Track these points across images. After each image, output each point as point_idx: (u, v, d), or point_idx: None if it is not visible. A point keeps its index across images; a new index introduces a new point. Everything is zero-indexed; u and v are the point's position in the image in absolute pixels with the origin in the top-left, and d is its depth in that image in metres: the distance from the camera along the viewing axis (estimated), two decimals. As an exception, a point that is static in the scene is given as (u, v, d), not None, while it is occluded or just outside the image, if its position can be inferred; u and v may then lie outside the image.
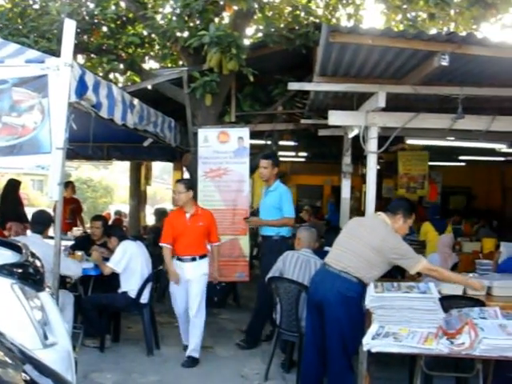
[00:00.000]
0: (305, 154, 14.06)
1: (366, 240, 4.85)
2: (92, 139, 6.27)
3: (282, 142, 10.21)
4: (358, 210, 12.92)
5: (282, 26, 8.88)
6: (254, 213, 16.77)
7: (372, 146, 5.55)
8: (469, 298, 5.98)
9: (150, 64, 10.42)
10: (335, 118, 5.79)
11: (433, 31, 7.64)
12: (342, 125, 6.52)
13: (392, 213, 4.99)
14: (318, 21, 8.91)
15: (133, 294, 6.69)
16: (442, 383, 6.01)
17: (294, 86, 5.98)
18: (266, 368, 6.29)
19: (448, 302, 5.59)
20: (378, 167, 16.44)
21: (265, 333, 7.34)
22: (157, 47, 10.02)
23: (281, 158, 16.27)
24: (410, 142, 9.70)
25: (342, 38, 4.43)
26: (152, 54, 10.17)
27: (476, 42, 4.45)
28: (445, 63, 4.46)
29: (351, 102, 6.62)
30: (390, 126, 5.57)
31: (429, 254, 9.21)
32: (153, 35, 9.12)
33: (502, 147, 9.62)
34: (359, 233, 4.92)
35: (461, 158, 14.98)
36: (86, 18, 8.59)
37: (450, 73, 5.42)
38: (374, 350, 4.32)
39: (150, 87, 8.70)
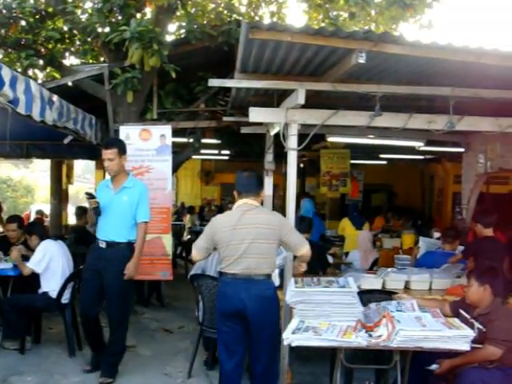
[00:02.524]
0: (228, 151, 14.05)
1: (261, 236, 4.74)
2: (10, 136, 6.10)
3: (204, 140, 10.17)
4: (282, 208, 13.01)
5: (204, 22, 8.87)
6: (178, 211, 16.78)
7: (292, 142, 5.57)
8: (387, 291, 6.13)
9: (70, 60, 10.21)
10: (255, 114, 5.78)
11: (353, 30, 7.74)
12: (263, 122, 6.52)
13: (255, 193, 4.92)
14: (241, 18, 8.94)
15: (53, 295, 6.56)
16: (362, 376, 6.15)
17: (214, 82, 5.95)
18: (189, 366, 6.29)
19: (367, 296, 5.72)
20: (302, 165, 16.76)
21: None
22: (77, 43, 9.81)
23: (204, 156, 16.45)
24: (331, 139, 9.82)
25: (262, 34, 4.43)
26: (72, 49, 9.95)
27: (391, 40, 4.55)
28: (362, 61, 4.53)
29: (273, 100, 6.67)
30: (310, 123, 5.60)
31: (348, 249, 9.41)
32: (73, 30, 8.90)
33: (421, 145, 9.89)
34: (251, 234, 4.74)
35: (382, 156, 15.30)
36: (4, 11, 8.36)
37: (369, 71, 5.53)
38: (294, 344, 4.35)
39: (70, 83, 8.50)
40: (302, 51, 4.97)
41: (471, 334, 4.36)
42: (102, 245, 5.97)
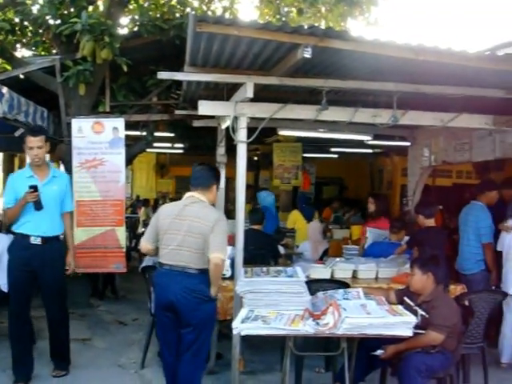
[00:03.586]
0: (181, 145, 13.99)
1: (194, 230, 4.69)
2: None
3: (157, 133, 10.09)
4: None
5: (157, 16, 8.79)
6: (133, 204, 16.63)
7: (241, 135, 5.57)
8: (336, 280, 6.21)
9: (22, 52, 9.98)
10: (205, 108, 5.78)
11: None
12: (214, 115, 6.52)
13: (204, 187, 4.88)
14: (193, 12, 8.88)
15: (5, 288, 6.42)
16: (313, 363, 6.24)
17: (163, 75, 5.91)
18: (142, 357, 6.28)
19: (316, 285, 5.78)
20: (256, 159, 16.72)
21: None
22: (29, 34, 9.60)
23: (159, 150, 16.34)
24: (282, 133, 9.90)
25: (209, 28, 4.42)
26: (24, 41, 9.72)
27: (336, 36, 4.59)
28: (307, 55, 4.56)
29: (223, 93, 6.66)
30: (259, 116, 5.63)
31: (299, 241, 9.48)
32: (24, 22, 8.70)
33: (368, 139, 10.02)
34: (186, 226, 4.71)
35: (333, 150, 15.44)
36: (-48, 2, 8.14)
37: (316, 66, 5.56)
38: (243, 333, 4.40)
39: (21, 76, 8.33)
40: (250, 45, 4.97)
41: (414, 320, 4.46)
42: (36, 241, 5.62)
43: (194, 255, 4.67)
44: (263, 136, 11.97)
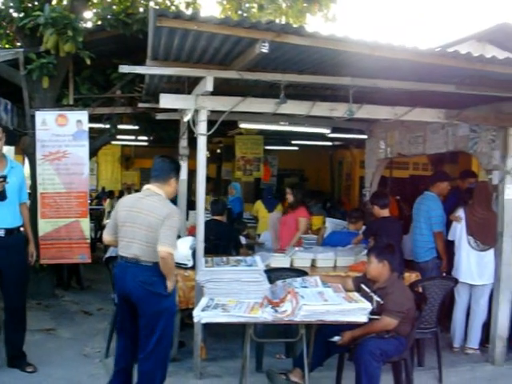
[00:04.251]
0: (145, 137, 13.91)
1: (146, 224, 4.62)
2: None
3: (121, 126, 10.00)
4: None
5: (120, 10, 8.68)
6: (99, 195, 16.48)
7: (201, 128, 5.57)
8: (295, 269, 6.26)
9: (-15, 44, 9.78)
10: (166, 101, 5.77)
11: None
12: (176, 108, 6.49)
13: (162, 180, 4.80)
14: (157, 7, 8.81)
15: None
16: (274, 349, 6.29)
17: (124, 68, 5.86)
18: (106, 346, 6.24)
19: (276, 274, 5.83)
20: (219, 151, 16.71)
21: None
22: (-7, 27, 9.42)
23: (124, 142, 16.21)
24: (243, 125, 9.92)
25: (169, 22, 4.39)
26: (-13, 33, 9.54)
27: (293, 31, 4.60)
28: (265, 50, 4.56)
29: (187, 87, 6.65)
30: (219, 109, 5.63)
31: (260, 231, 9.53)
32: (-13, 14, 8.54)
33: (327, 132, 10.10)
34: (139, 219, 4.64)
35: (294, 142, 15.50)
36: None
37: (275, 60, 5.57)
38: (203, 321, 4.42)
39: (-16, 68, 8.18)
40: (210, 40, 4.95)
41: (369, 306, 4.51)
42: (0, 233, 5.51)
43: (147, 248, 4.61)
44: (226, 129, 11.98)
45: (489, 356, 6.59)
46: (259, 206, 10.17)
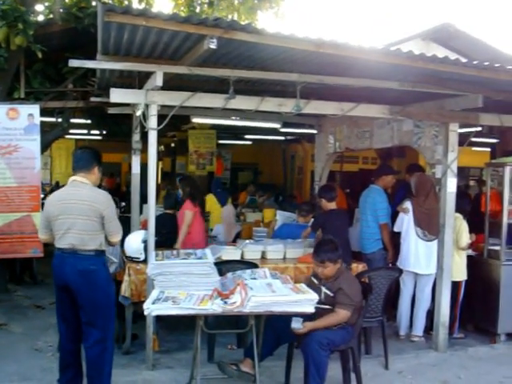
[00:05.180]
0: (98, 131, 13.72)
1: (84, 213, 4.64)
2: None
3: (74, 120, 9.83)
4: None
5: (72, 4, 8.52)
6: (53, 190, 16.18)
7: (152, 123, 5.53)
8: (245, 261, 6.27)
9: None
10: (117, 95, 5.71)
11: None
12: (128, 102, 6.42)
13: (85, 169, 4.82)
14: (110, 2, 8.68)
15: None
16: (226, 340, 6.29)
17: (74, 63, 5.76)
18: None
19: (227, 266, 5.82)
20: (173, 145, 16.59)
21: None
22: None
23: (77, 136, 15.95)
24: (195, 120, 9.89)
25: (117, 18, 4.33)
26: None
27: (240, 28, 4.59)
28: (213, 46, 4.54)
29: (138, 81, 6.58)
30: (169, 104, 5.59)
31: (213, 225, 9.50)
32: None
33: (278, 126, 10.14)
34: (74, 209, 4.64)
35: (248, 137, 15.51)
36: None
37: (224, 56, 5.56)
38: (153, 314, 4.41)
39: None
40: (159, 35, 4.91)
41: (316, 297, 4.54)
42: None
43: (86, 237, 4.63)
44: (180, 123, 11.91)
45: (432, 343, 6.73)
46: (211, 199, 10.13)
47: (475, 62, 5.68)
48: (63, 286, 4.69)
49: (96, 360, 4.73)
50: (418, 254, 6.87)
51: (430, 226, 6.79)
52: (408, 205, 6.99)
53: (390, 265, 7.18)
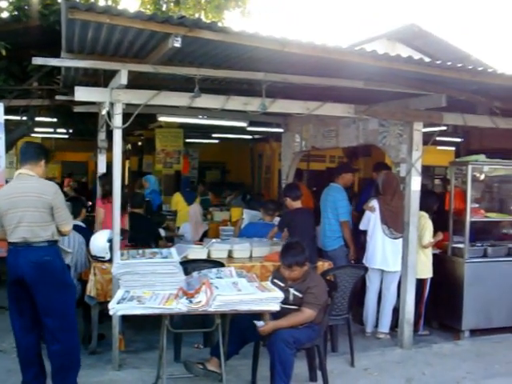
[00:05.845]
0: (64, 130, 13.56)
1: (34, 205, 4.67)
2: None
3: (39, 118, 9.71)
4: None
5: (37, 0, 8.40)
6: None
7: (117, 121, 5.49)
8: (211, 260, 6.26)
9: None
10: (81, 93, 5.65)
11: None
12: (93, 101, 6.33)
13: (32, 162, 4.82)
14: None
15: None
16: (193, 340, 6.27)
17: (38, 60, 5.69)
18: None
19: (193, 266, 5.79)
20: (140, 144, 16.48)
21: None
22: None
23: (43, 135, 15.73)
24: (161, 119, 9.84)
25: (81, 15, 4.28)
26: None
27: (205, 26, 4.57)
28: (177, 45, 4.53)
29: (103, 80, 6.52)
30: (134, 102, 5.55)
31: (180, 224, 9.47)
32: None
33: (244, 125, 10.13)
34: (24, 202, 4.67)
35: (215, 135, 15.48)
36: None
37: (190, 54, 5.53)
38: (119, 314, 4.40)
39: None
40: (124, 33, 4.86)
41: (281, 295, 4.57)
42: None
43: (37, 229, 4.65)
44: (147, 121, 11.83)
45: (398, 340, 6.80)
46: (178, 198, 10.10)
47: (438, 62, 5.75)
48: (18, 279, 4.65)
49: (59, 352, 4.74)
50: (385, 252, 6.95)
51: (397, 223, 6.86)
52: (374, 203, 7.05)
53: (352, 262, 7.26)
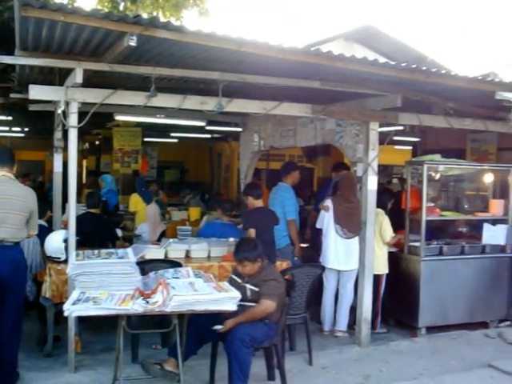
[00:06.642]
0: (19, 128, 13.35)
1: (16, 208, 5.01)
2: None
3: (-7, 117, 9.55)
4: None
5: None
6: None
7: (72, 120, 5.45)
8: (169, 260, 6.24)
9: None
10: (36, 92, 5.58)
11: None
12: (48, 99, 6.25)
13: (11, 164, 5.16)
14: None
15: None
16: (151, 340, 6.25)
17: (-11, 58, 5.62)
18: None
19: (150, 266, 5.77)
20: (98, 143, 16.32)
21: None
22: None
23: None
24: (118, 118, 9.78)
25: (34, 12, 4.21)
26: None
27: (160, 25, 4.55)
28: (133, 43, 4.50)
29: (59, 78, 6.44)
30: (90, 101, 5.50)
31: (138, 224, 9.42)
32: None
33: (202, 124, 10.14)
34: (9, 204, 4.98)
35: (174, 134, 15.42)
36: None
37: (146, 53, 5.50)
38: (74, 315, 4.40)
39: None
40: (79, 32, 4.81)
41: (238, 295, 4.60)
42: None
43: (15, 230, 4.99)
44: (104, 120, 11.72)
45: (356, 338, 6.88)
46: (136, 198, 10.05)
47: (393, 63, 5.85)
48: None
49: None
50: (338, 251, 7.04)
51: (351, 224, 6.95)
52: (329, 203, 7.14)
53: (296, 259, 7.39)
